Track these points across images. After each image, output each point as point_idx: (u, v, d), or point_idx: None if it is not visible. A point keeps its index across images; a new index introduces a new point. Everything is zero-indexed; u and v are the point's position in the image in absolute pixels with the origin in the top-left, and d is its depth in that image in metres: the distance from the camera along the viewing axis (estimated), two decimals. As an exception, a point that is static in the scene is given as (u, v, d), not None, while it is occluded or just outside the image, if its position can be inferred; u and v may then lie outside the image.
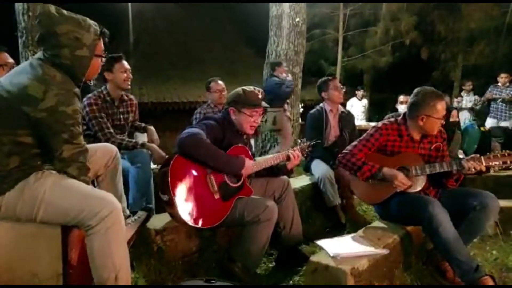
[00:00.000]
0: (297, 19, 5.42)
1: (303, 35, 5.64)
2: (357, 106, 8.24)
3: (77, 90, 1.63)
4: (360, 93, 8.31)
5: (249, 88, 2.45)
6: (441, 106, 2.32)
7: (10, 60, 2.32)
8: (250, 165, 2.27)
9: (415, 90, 2.43)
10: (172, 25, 13.11)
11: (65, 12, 1.62)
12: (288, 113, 5.35)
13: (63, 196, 1.55)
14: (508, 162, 2.20)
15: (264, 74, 5.65)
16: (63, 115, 1.52)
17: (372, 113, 10.99)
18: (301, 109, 6.88)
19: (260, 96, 2.43)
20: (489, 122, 6.31)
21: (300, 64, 5.63)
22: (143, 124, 3.20)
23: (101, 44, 1.71)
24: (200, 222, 2.08)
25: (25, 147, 1.55)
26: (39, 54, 1.62)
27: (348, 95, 6.45)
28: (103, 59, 1.75)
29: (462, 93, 7.38)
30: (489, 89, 6.49)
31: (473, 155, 2.30)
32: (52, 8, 1.59)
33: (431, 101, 2.32)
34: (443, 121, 2.38)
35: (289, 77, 5.46)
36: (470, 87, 7.31)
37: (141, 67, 10.02)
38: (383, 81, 12.76)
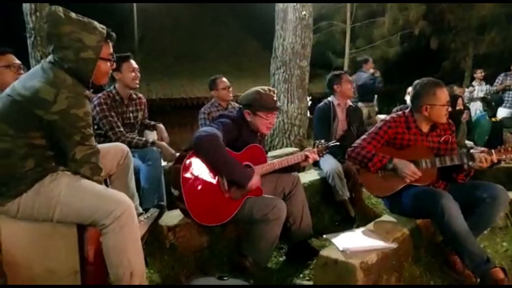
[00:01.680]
0: (303, 12, 5.36)
1: (310, 28, 5.58)
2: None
3: (87, 92, 1.66)
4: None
5: (264, 89, 2.43)
6: (441, 93, 2.33)
7: (17, 61, 2.32)
8: (256, 181, 2.26)
9: (414, 83, 2.46)
10: (177, 21, 13.10)
11: (72, 14, 1.63)
12: (376, 108, 5.56)
13: (78, 197, 1.60)
14: (520, 155, 2.19)
15: (271, 69, 5.62)
16: (74, 117, 1.56)
17: (382, 105, 10.90)
18: (309, 102, 6.88)
19: (275, 98, 2.43)
20: (502, 112, 6.18)
21: (308, 57, 5.58)
22: (152, 122, 3.25)
23: (108, 48, 1.71)
24: (209, 219, 2.12)
25: (39, 150, 1.60)
26: (50, 57, 1.65)
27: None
28: (112, 63, 1.74)
29: (473, 83, 7.22)
30: (501, 78, 6.33)
31: (483, 148, 2.29)
32: (60, 10, 1.61)
33: (431, 90, 2.34)
34: (449, 108, 2.38)
35: (377, 73, 5.92)
36: (481, 74, 7.11)
37: (147, 64, 10.05)
38: (392, 72, 12.57)
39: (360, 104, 5.37)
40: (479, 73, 7.01)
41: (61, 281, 1.66)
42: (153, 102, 9.18)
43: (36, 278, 1.64)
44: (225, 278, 1.49)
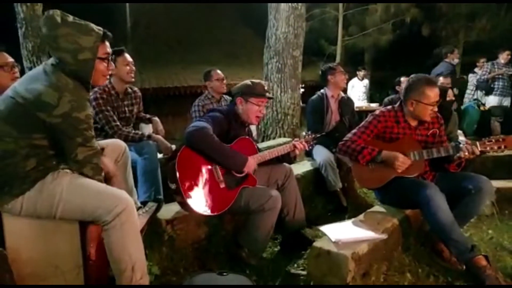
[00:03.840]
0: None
1: (303, 18, 5.58)
2: (358, 87, 8.26)
3: (88, 95, 1.70)
4: (361, 73, 8.30)
5: (256, 80, 2.59)
6: (431, 92, 2.38)
7: (10, 59, 2.29)
8: (253, 163, 2.35)
9: (410, 76, 2.51)
10: (169, 7, 12.92)
11: (69, 18, 1.64)
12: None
13: (79, 195, 1.65)
14: (502, 147, 2.27)
15: (264, 59, 5.63)
16: (76, 120, 1.59)
17: (373, 92, 10.97)
18: (302, 90, 6.92)
19: (266, 88, 2.54)
20: (491, 100, 6.27)
21: (300, 47, 5.59)
22: (147, 116, 3.27)
23: (104, 47, 1.73)
24: (207, 209, 2.18)
25: (41, 149, 1.63)
26: (51, 60, 1.67)
27: (349, 75, 6.44)
28: (108, 62, 1.76)
29: (475, 70, 7.18)
30: (488, 67, 6.37)
31: (468, 141, 2.38)
32: (58, 13, 1.63)
33: (420, 87, 2.40)
34: (434, 108, 2.43)
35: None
36: (483, 63, 6.93)
37: (140, 51, 9.96)
38: (384, 60, 12.66)
39: None
40: (481, 62, 6.94)
41: (65, 275, 1.72)
42: (146, 91, 9.13)
43: (40, 273, 1.69)
44: (224, 274, 1.55)
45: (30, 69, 5.70)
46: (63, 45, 1.61)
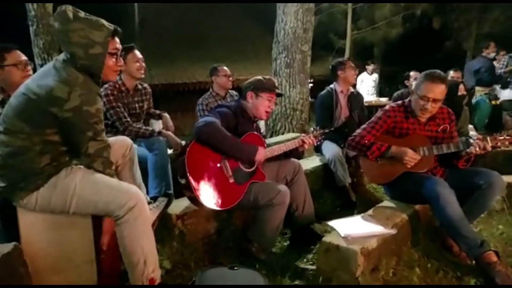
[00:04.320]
0: (305, -3, 5.35)
1: (311, 12, 5.54)
2: (368, 81, 8.19)
3: (99, 89, 1.72)
4: (370, 67, 8.22)
5: (267, 76, 2.63)
6: (428, 86, 2.35)
7: (23, 57, 2.30)
8: (263, 153, 2.38)
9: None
10: (175, 4, 12.93)
11: (81, 13, 1.67)
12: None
13: (92, 190, 1.68)
14: (514, 142, 2.25)
15: (273, 54, 5.62)
16: (87, 114, 1.62)
17: (383, 86, 10.87)
18: (311, 85, 6.89)
19: (276, 84, 2.57)
20: (506, 94, 6.14)
21: (309, 41, 5.56)
22: (157, 112, 3.31)
23: (114, 43, 1.75)
24: (216, 203, 2.20)
25: (54, 145, 1.67)
26: (62, 55, 1.70)
27: (358, 69, 6.37)
28: (118, 58, 1.78)
29: (494, 62, 6.99)
30: (506, 59, 6.26)
31: (480, 136, 2.35)
32: (70, 9, 1.65)
33: (424, 79, 2.40)
34: (426, 105, 2.37)
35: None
36: (503, 56, 6.65)
37: (148, 48, 10.00)
38: (394, 54, 12.51)
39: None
40: (501, 54, 6.73)
41: (78, 269, 1.77)
42: (155, 87, 9.18)
43: (55, 266, 1.74)
44: (235, 268, 1.58)
45: (42, 66, 5.74)
46: (74, 39, 1.64)
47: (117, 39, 1.78)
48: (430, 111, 2.41)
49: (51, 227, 1.74)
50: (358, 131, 2.58)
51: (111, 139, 2.15)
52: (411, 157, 2.37)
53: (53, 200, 1.67)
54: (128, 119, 2.87)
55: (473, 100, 5.43)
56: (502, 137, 2.27)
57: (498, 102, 5.68)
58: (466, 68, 6.26)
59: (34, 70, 2.27)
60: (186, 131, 7.31)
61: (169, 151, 2.94)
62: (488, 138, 2.29)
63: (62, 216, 1.72)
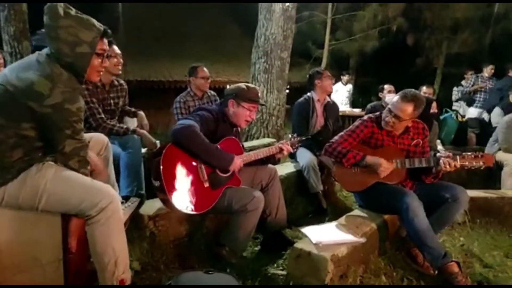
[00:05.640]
0: (287, 4, 5.41)
1: (293, 20, 5.63)
2: (342, 91, 8.37)
3: (81, 88, 1.68)
4: (345, 78, 8.41)
5: (251, 85, 2.61)
6: (397, 103, 2.44)
7: None
8: (239, 162, 2.37)
9: None
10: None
11: (72, 11, 1.64)
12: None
13: (64, 187, 1.64)
14: (481, 163, 2.38)
15: (252, 58, 5.65)
16: (67, 112, 1.58)
17: (356, 97, 11.14)
18: (287, 91, 6.97)
19: (259, 94, 2.56)
20: (471, 112, 6.47)
21: (289, 48, 5.64)
22: (133, 109, 3.24)
23: (102, 44, 1.72)
24: (190, 208, 2.18)
25: (28, 140, 1.61)
26: (46, 50, 1.65)
27: (334, 79, 6.47)
28: (103, 59, 1.75)
29: (462, 82, 7.34)
30: (472, 79, 6.58)
31: (447, 153, 2.46)
32: (62, 5, 1.62)
33: (397, 96, 2.48)
34: (390, 120, 2.48)
35: None
36: (471, 75, 6.97)
37: (125, 42, 9.80)
38: (369, 66, 12.88)
39: None
40: (469, 74, 7.02)
41: (44, 268, 1.70)
42: (129, 84, 8.98)
43: (20, 264, 1.67)
44: (210, 272, 1.57)
45: (11, 54, 5.55)
46: (62, 36, 1.60)
47: (105, 40, 1.75)
48: (391, 125, 2.51)
49: (18, 224, 1.67)
50: (336, 138, 2.64)
51: (87, 135, 2.10)
52: (385, 167, 2.46)
53: (21, 196, 1.61)
54: (102, 116, 2.80)
55: (441, 116, 5.67)
56: (470, 157, 2.38)
57: (464, 119, 5.97)
58: (495, 87, 6.31)
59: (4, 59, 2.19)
60: (158, 130, 7.19)
61: (143, 150, 2.89)
62: (457, 157, 2.40)
63: (30, 213, 1.66)
